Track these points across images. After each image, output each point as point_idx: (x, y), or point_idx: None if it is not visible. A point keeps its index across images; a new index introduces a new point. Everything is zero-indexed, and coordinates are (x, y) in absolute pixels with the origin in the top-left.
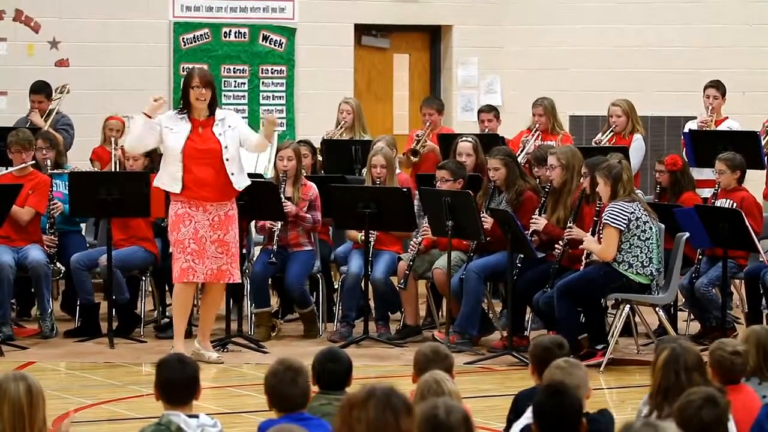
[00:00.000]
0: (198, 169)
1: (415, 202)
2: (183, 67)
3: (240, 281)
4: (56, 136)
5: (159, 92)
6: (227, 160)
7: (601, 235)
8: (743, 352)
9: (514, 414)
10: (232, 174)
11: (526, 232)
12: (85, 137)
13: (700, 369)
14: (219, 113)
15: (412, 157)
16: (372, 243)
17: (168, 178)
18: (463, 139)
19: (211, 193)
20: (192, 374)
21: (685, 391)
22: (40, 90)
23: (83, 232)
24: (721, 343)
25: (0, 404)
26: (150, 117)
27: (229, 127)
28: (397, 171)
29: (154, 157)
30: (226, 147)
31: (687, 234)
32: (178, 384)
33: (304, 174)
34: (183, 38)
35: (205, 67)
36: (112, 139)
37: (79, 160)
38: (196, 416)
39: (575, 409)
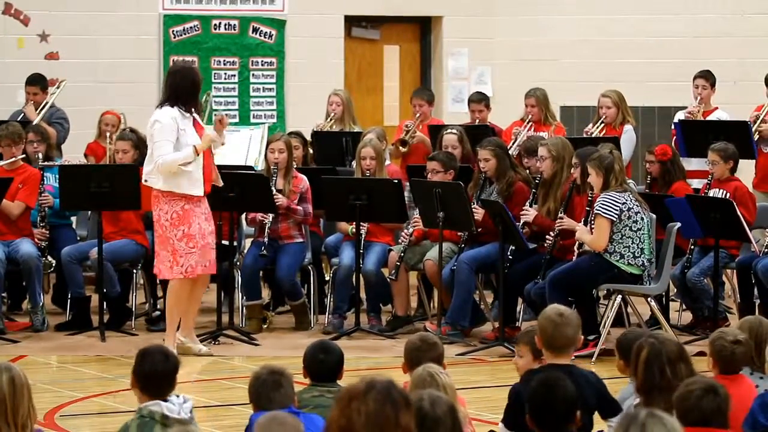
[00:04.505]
0: (206, 161)
1: (406, 194)
2: (173, 60)
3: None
4: (47, 129)
5: (149, 84)
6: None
7: (593, 226)
8: (744, 341)
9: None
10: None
11: (518, 223)
12: (74, 130)
13: (683, 359)
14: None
15: (401, 147)
16: (363, 235)
17: (188, 183)
18: (449, 131)
19: (209, 183)
20: (174, 367)
21: (683, 382)
22: (36, 82)
23: (74, 226)
24: (722, 332)
25: None
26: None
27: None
28: (387, 162)
29: (143, 150)
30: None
31: (678, 224)
32: (161, 376)
33: (295, 166)
34: (173, 30)
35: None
36: (108, 134)
37: (69, 153)
38: (167, 400)
39: (569, 400)
